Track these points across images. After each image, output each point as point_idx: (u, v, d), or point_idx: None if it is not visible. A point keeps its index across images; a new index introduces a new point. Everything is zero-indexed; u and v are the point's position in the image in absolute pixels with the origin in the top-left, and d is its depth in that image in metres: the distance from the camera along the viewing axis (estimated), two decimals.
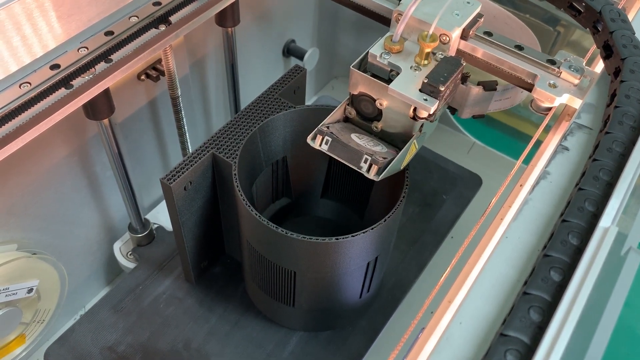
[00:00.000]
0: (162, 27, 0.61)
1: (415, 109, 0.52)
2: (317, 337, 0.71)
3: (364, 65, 0.54)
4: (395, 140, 0.56)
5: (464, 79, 0.56)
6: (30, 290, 0.68)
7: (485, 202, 0.48)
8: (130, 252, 0.81)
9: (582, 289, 0.33)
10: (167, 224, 0.80)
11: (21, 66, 0.54)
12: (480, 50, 0.56)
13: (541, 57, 0.54)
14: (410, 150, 0.55)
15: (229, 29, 0.76)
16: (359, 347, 0.70)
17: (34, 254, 0.68)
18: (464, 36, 0.55)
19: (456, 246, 0.84)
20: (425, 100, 0.49)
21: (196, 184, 0.62)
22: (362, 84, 0.53)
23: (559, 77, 0.53)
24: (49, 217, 0.71)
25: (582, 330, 0.32)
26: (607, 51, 0.52)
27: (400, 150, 0.55)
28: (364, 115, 0.56)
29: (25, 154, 0.63)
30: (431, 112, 0.50)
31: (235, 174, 0.59)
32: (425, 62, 0.52)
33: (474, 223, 0.47)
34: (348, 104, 0.56)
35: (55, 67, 0.55)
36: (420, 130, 0.54)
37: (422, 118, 0.52)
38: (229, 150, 0.62)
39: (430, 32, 0.50)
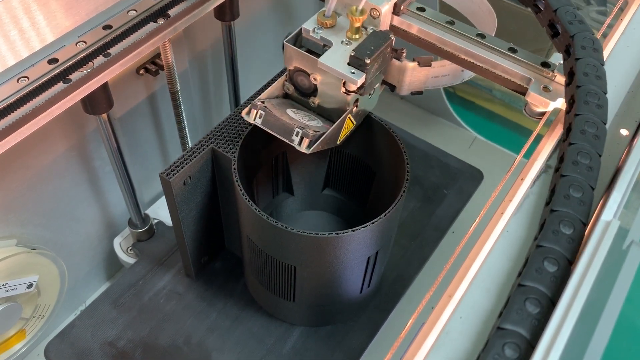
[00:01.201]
0: (161, 21, 0.61)
1: (345, 83, 0.53)
2: (317, 332, 0.71)
3: (300, 41, 0.55)
4: (332, 116, 0.56)
5: (399, 55, 0.56)
6: (30, 286, 0.68)
7: (486, 196, 0.47)
8: (130, 248, 0.81)
9: (584, 283, 0.33)
10: (167, 219, 0.80)
11: (19, 60, 0.54)
12: (415, 27, 0.56)
13: (535, 60, 0.53)
14: (347, 125, 0.56)
15: (229, 22, 0.75)
16: (359, 342, 0.70)
17: (34, 249, 0.68)
18: (396, 12, 0.56)
19: (457, 241, 0.83)
20: (353, 73, 0.50)
21: (196, 179, 0.62)
22: (296, 59, 0.54)
23: (553, 80, 0.52)
24: (49, 212, 0.71)
25: (584, 325, 0.32)
26: (553, 29, 0.51)
27: None
28: (301, 91, 0.57)
29: (25, 149, 0.63)
30: (358, 86, 0.51)
31: (234, 169, 0.59)
32: (356, 36, 0.53)
33: (476, 218, 0.47)
34: (286, 80, 0.57)
35: (53, 61, 0.54)
36: (356, 105, 0.55)
37: (352, 92, 0.53)
38: (229, 144, 0.61)
39: (360, 6, 0.51)
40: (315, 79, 0.54)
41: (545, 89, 0.51)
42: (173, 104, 0.78)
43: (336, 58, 0.51)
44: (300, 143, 0.52)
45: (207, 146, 0.61)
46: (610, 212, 0.37)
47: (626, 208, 0.39)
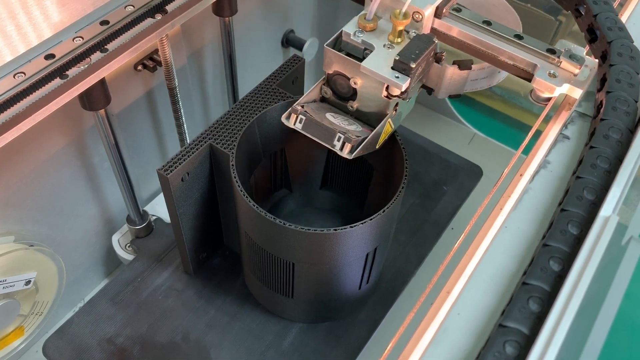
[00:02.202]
0: (159, 17, 0.60)
1: (387, 87, 0.52)
2: (316, 328, 0.71)
3: (339, 45, 0.54)
4: (371, 120, 0.56)
5: (439, 58, 0.56)
6: (28, 282, 0.68)
7: (486, 193, 0.47)
8: (128, 244, 0.81)
9: (582, 278, 0.32)
10: (166, 216, 0.80)
11: (16, 56, 0.53)
12: (456, 29, 0.56)
13: (541, 46, 0.53)
14: (386, 129, 0.55)
15: (227, 18, 0.75)
16: (358, 338, 0.70)
17: (32, 245, 0.68)
18: (437, 14, 0.55)
19: (456, 237, 0.84)
20: (397, 77, 0.50)
21: (194, 175, 0.62)
22: (336, 63, 0.54)
23: (559, 66, 0.52)
24: (47, 208, 0.71)
25: (582, 320, 0.32)
26: (592, 34, 0.51)
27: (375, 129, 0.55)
28: (340, 95, 0.56)
29: (22, 146, 0.63)
30: (403, 90, 0.50)
31: (232, 165, 0.58)
32: (399, 40, 0.52)
33: (475, 214, 0.47)
34: (324, 84, 0.57)
35: (50, 56, 0.54)
36: (395, 110, 0.54)
37: (395, 96, 0.52)
38: (227, 141, 0.61)
39: (403, 10, 0.50)
40: (355, 83, 0.53)
41: (551, 74, 0.51)
42: (171, 100, 0.77)
43: (379, 62, 0.50)
44: (342, 148, 0.52)
45: (205, 142, 0.61)
46: (609, 207, 0.37)
47: (625, 204, 0.39)
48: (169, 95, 0.77)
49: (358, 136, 0.53)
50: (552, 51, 0.53)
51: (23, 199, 0.67)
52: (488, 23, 0.55)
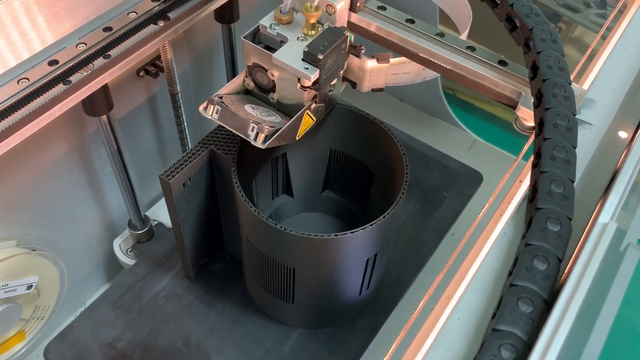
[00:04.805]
0: (161, 23, 0.61)
1: (300, 79, 0.53)
2: (316, 334, 0.71)
3: (259, 38, 0.55)
4: (292, 112, 0.57)
5: (358, 52, 0.57)
6: (29, 287, 0.68)
7: (486, 198, 0.47)
8: (129, 249, 0.81)
9: (581, 284, 0.33)
10: (167, 221, 0.80)
11: (19, 62, 0.54)
12: (374, 25, 0.56)
13: (526, 73, 0.52)
14: (306, 121, 0.56)
15: (229, 24, 0.75)
16: (358, 344, 0.70)
17: (34, 250, 0.68)
18: (352, 8, 0.56)
19: (457, 243, 0.84)
20: (307, 69, 0.51)
21: (195, 181, 0.62)
22: (253, 55, 0.55)
23: None
24: (49, 213, 0.71)
25: (580, 326, 0.32)
26: (511, 23, 0.51)
27: None
28: (261, 87, 0.57)
29: (25, 151, 0.63)
30: (312, 81, 0.51)
31: (234, 170, 0.59)
32: (312, 32, 0.53)
33: (475, 220, 0.47)
34: (246, 76, 0.57)
35: (53, 62, 0.55)
36: (315, 102, 0.55)
37: (307, 87, 0.53)
38: (228, 146, 0.61)
39: (315, 3, 0.51)
40: (272, 75, 0.55)
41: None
42: (173, 106, 0.78)
43: (291, 54, 0.52)
44: (255, 138, 0.52)
45: (207, 147, 0.61)
46: (607, 214, 0.37)
47: (624, 210, 0.39)
48: (171, 101, 0.77)
49: (273, 126, 0.53)
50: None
51: (25, 204, 0.67)
52: (411, 21, 0.56)
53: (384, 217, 0.56)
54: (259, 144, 0.52)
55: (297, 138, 0.57)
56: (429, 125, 1.12)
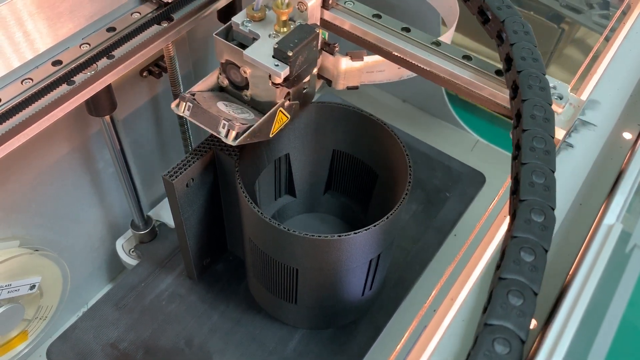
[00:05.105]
0: (165, 24, 0.61)
1: (270, 75, 0.53)
2: (319, 334, 0.71)
3: (232, 35, 0.55)
4: (265, 109, 0.57)
5: (332, 50, 0.56)
6: (32, 287, 0.68)
7: (488, 199, 0.47)
8: (132, 249, 0.81)
9: (586, 286, 0.33)
10: (170, 221, 0.80)
11: (23, 62, 0.54)
12: (347, 23, 0.56)
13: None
14: (280, 118, 0.56)
15: None
16: (361, 345, 0.70)
17: (36, 250, 0.68)
18: (325, 6, 0.56)
19: (459, 244, 0.84)
20: (277, 66, 0.50)
21: (198, 181, 0.62)
22: (226, 52, 0.55)
23: None
24: (52, 213, 0.71)
25: (586, 329, 0.32)
26: (483, 16, 0.51)
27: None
28: (235, 84, 0.57)
29: (28, 151, 0.63)
30: (282, 78, 0.51)
31: (237, 171, 0.59)
32: (284, 29, 0.53)
33: (478, 221, 0.47)
34: (220, 73, 0.57)
35: (57, 63, 0.55)
36: (289, 99, 0.55)
37: (278, 84, 0.53)
38: (231, 146, 0.61)
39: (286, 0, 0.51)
40: (245, 72, 0.54)
41: None
42: None
43: (262, 51, 0.51)
44: (227, 135, 0.52)
45: (210, 148, 0.61)
46: (613, 215, 0.37)
47: (629, 212, 0.39)
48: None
49: (244, 124, 0.53)
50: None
51: (28, 204, 0.67)
52: (378, 16, 0.56)
53: (387, 218, 0.56)
54: (230, 141, 0.52)
55: (270, 135, 0.56)
56: (431, 126, 1.12)
